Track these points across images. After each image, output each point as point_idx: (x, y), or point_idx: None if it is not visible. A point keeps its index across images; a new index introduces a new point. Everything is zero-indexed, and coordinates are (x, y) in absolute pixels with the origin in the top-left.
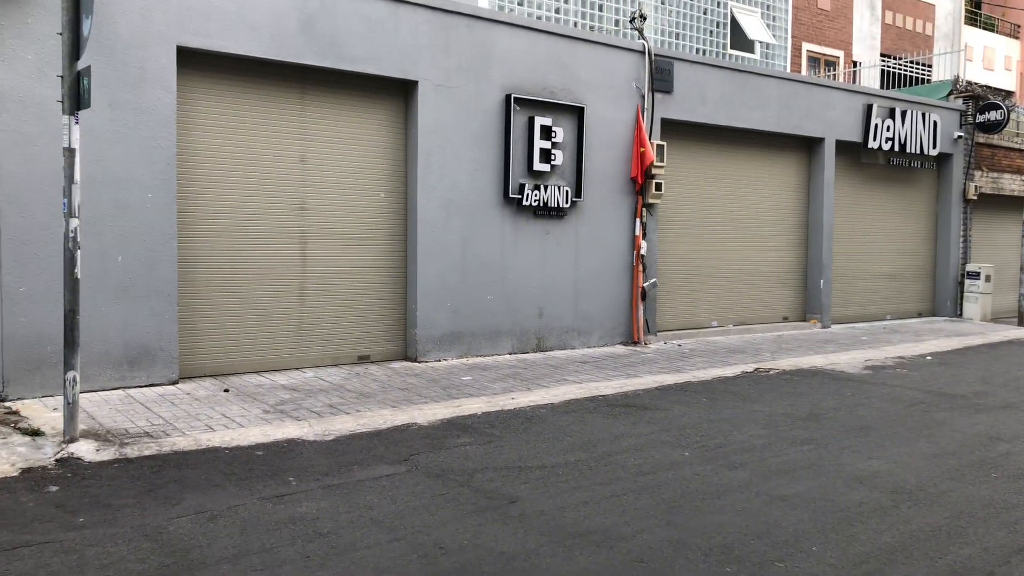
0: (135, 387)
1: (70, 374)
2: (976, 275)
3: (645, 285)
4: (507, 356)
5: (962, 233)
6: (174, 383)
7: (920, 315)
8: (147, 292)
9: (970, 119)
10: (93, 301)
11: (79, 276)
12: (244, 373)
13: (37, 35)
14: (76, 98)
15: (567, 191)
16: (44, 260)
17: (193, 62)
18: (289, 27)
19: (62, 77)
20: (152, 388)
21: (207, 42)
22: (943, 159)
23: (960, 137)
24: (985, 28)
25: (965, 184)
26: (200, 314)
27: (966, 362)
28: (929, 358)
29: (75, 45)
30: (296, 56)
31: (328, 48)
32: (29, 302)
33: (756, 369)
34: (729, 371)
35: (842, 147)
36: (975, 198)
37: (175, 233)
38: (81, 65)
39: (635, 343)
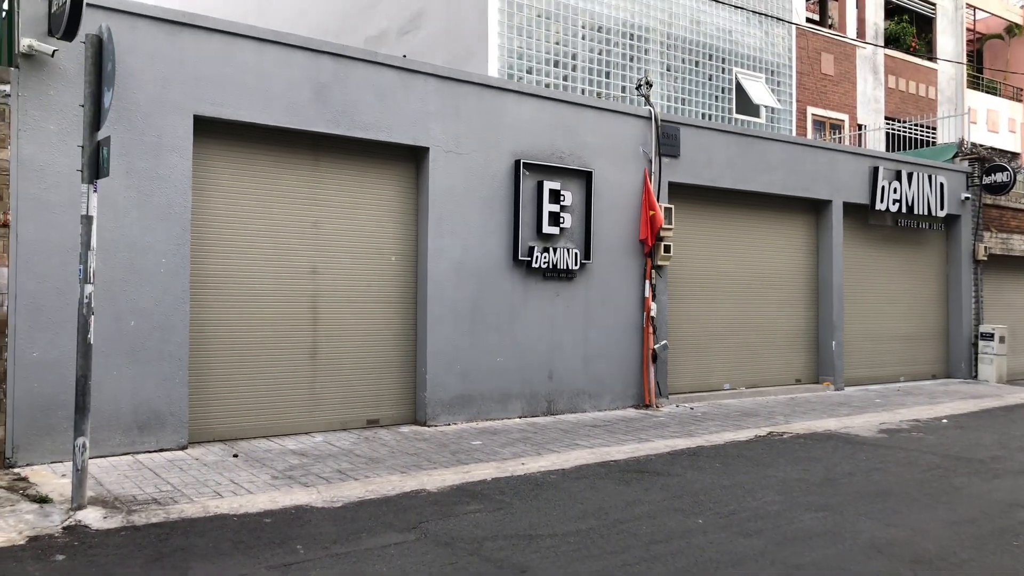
0: (144, 452)
1: (80, 440)
2: (990, 336)
3: (656, 347)
4: (517, 420)
5: (974, 294)
6: (183, 448)
7: (934, 377)
8: (159, 356)
9: (977, 180)
10: (105, 366)
11: (92, 341)
12: (254, 437)
13: (59, 106)
14: (95, 167)
15: (576, 253)
16: (58, 325)
17: (209, 130)
18: (303, 96)
19: (82, 147)
20: (161, 453)
21: (223, 111)
22: (951, 220)
23: (967, 198)
24: (988, 92)
25: (975, 245)
26: (210, 378)
27: (983, 425)
28: (945, 421)
29: (96, 116)
30: (309, 124)
31: (341, 116)
32: (42, 367)
33: (769, 433)
34: (742, 435)
35: (850, 209)
36: (985, 259)
37: (188, 297)
38: (101, 135)
39: (647, 406)
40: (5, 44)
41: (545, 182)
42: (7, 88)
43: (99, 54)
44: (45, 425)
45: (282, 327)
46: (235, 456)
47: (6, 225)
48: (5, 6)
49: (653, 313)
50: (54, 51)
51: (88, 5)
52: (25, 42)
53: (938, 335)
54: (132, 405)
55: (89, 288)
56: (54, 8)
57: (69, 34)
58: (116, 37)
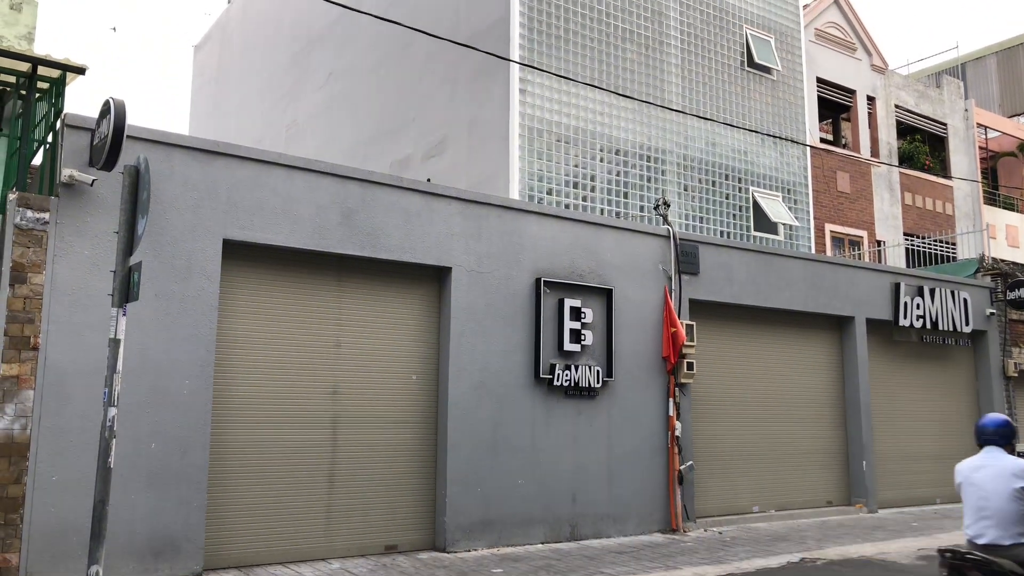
0: None
1: (93, 569)
2: None
3: (681, 468)
4: (539, 545)
5: (1006, 411)
6: (198, 575)
7: None
8: (177, 479)
9: (1001, 296)
10: (123, 490)
11: (112, 465)
12: (270, 564)
13: (94, 232)
14: (126, 292)
15: (598, 371)
16: (79, 448)
17: (237, 253)
18: (331, 220)
19: (114, 272)
20: None
21: (252, 235)
22: (978, 336)
23: (993, 314)
24: (1005, 207)
25: (1003, 361)
26: (228, 502)
27: None
28: None
29: (129, 242)
30: (336, 246)
31: (367, 238)
32: (60, 490)
33: (803, 560)
34: (774, 561)
35: (873, 325)
36: (1016, 375)
37: (209, 419)
38: (133, 260)
39: (673, 530)
40: (47, 175)
41: (566, 300)
42: (46, 216)
43: (136, 184)
44: (60, 551)
45: (301, 449)
46: None
47: (35, 348)
48: (50, 139)
49: (678, 432)
50: (93, 180)
51: (128, 137)
52: (66, 172)
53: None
54: (148, 530)
55: (113, 411)
56: (96, 140)
57: (109, 165)
58: (153, 166)
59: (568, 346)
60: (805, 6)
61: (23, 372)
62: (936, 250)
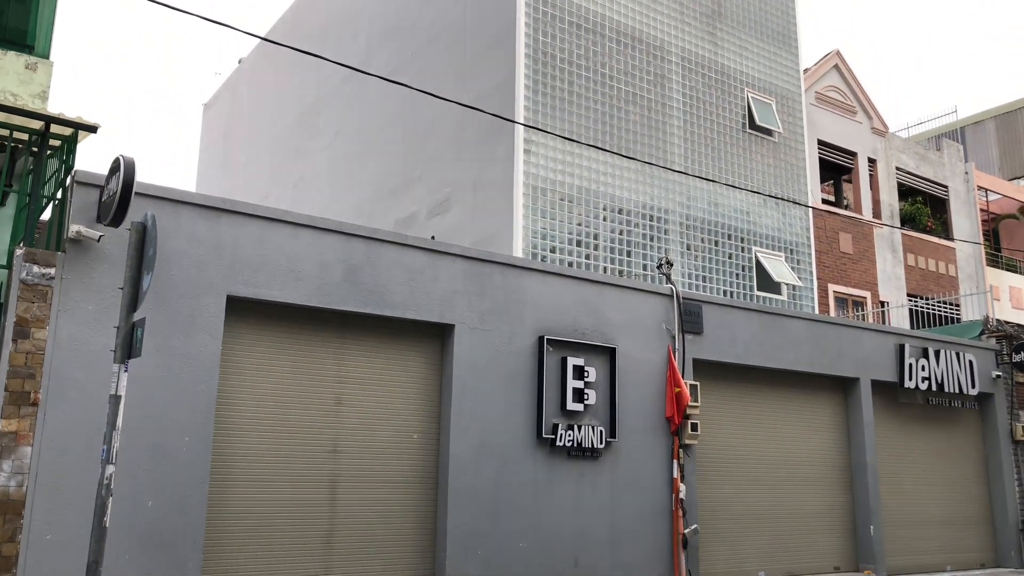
0: None
1: None
2: None
3: (686, 532)
4: None
5: (1016, 476)
6: None
7: (983, 566)
8: (173, 538)
9: (1006, 358)
10: (117, 549)
11: (107, 525)
12: None
13: (99, 287)
14: (128, 348)
15: (601, 431)
16: (75, 506)
17: (240, 309)
18: (335, 277)
19: (118, 328)
20: None
21: (256, 291)
22: (984, 399)
23: (999, 376)
24: (1008, 269)
25: (1011, 425)
26: (223, 562)
27: None
28: None
29: (134, 298)
30: (339, 303)
31: (370, 296)
32: (54, 549)
33: None
34: None
35: (878, 387)
36: None
37: (208, 478)
38: (136, 316)
39: None
40: (55, 230)
41: (569, 358)
42: (52, 271)
43: (142, 240)
44: None
45: (300, 508)
46: None
47: (35, 403)
48: (59, 195)
49: (682, 495)
50: (100, 236)
51: (136, 194)
52: (74, 228)
53: (983, 520)
54: None
55: (111, 469)
56: (104, 197)
57: (116, 221)
58: (159, 222)
59: (571, 405)
60: (805, 70)
61: (22, 428)
62: (940, 311)
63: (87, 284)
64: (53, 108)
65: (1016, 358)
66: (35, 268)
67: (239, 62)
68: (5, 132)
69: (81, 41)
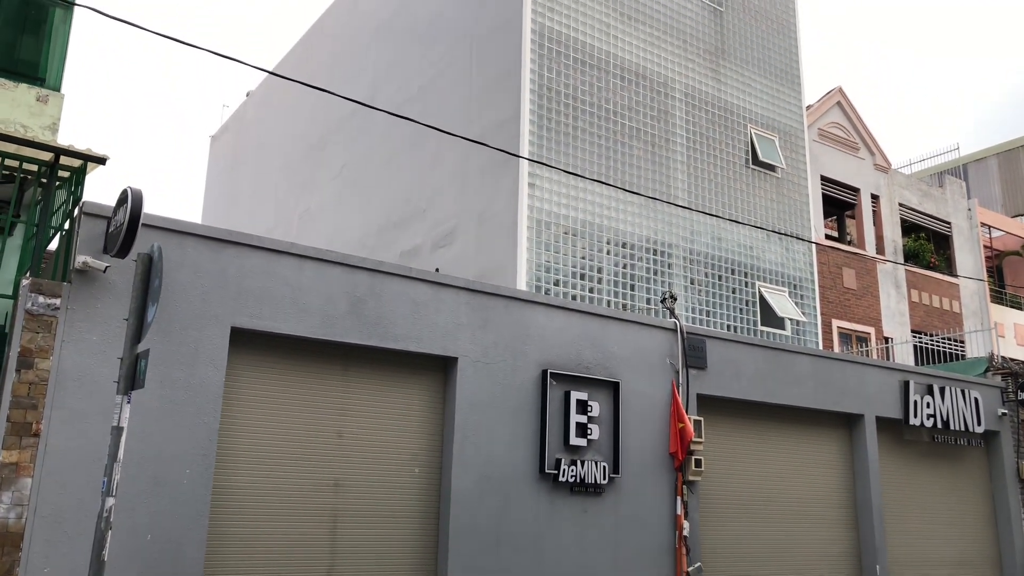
0: None
1: None
2: None
3: (690, 570)
4: None
5: (1023, 516)
6: None
7: None
8: (172, 573)
9: (1012, 396)
10: None
11: (106, 559)
12: None
13: (104, 318)
14: (132, 379)
15: (604, 467)
16: (74, 539)
17: (244, 340)
18: (339, 309)
19: (121, 359)
20: None
21: (260, 323)
22: (990, 436)
23: (1005, 414)
24: (1012, 306)
25: (1018, 463)
26: None
27: None
28: None
29: (138, 330)
30: (343, 335)
31: (374, 328)
32: None
33: None
34: None
35: (883, 424)
36: None
37: (208, 511)
38: (141, 348)
39: None
40: (62, 261)
41: (572, 392)
42: (57, 302)
43: (148, 271)
44: None
45: (300, 543)
46: None
47: (36, 434)
48: (67, 226)
49: (686, 532)
50: (106, 267)
51: (142, 225)
52: (80, 259)
53: (991, 560)
54: None
55: (110, 501)
56: (111, 228)
57: (123, 252)
58: (165, 253)
59: (574, 440)
60: (808, 107)
61: (22, 459)
62: (944, 348)
63: (92, 315)
64: (63, 139)
65: (1022, 395)
66: (40, 298)
67: (247, 95)
68: (15, 163)
69: (91, 72)
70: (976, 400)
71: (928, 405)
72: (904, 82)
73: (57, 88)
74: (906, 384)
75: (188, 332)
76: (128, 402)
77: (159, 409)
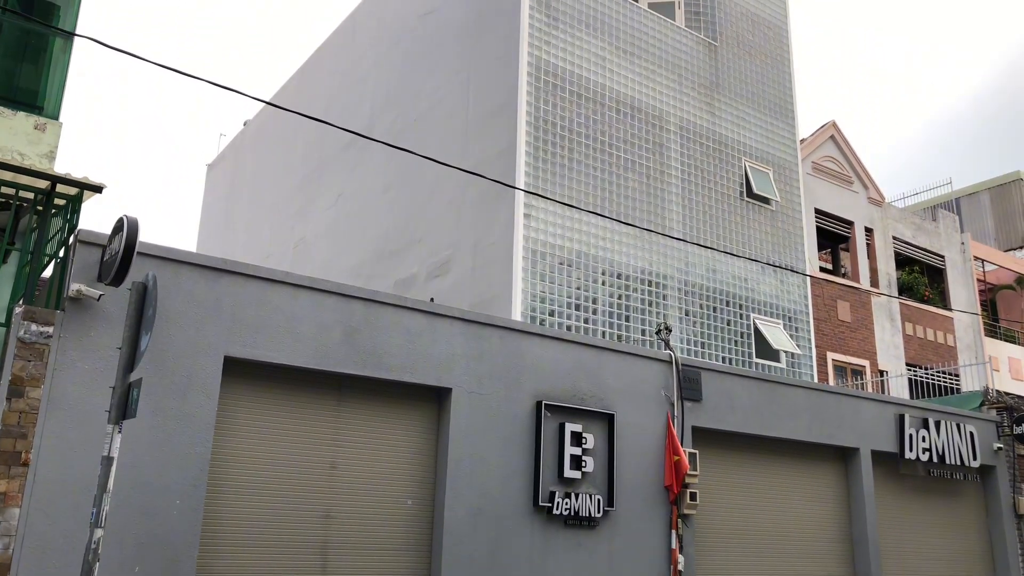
0: None
1: None
2: None
3: None
4: None
5: (1020, 551)
6: None
7: None
8: None
9: (1008, 430)
10: None
11: None
12: None
13: (96, 347)
14: (123, 408)
15: (599, 499)
16: (61, 570)
17: (237, 370)
18: (333, 338)
19: (113, 388)
20: None
21: (254, 352)
22: (986, 471)
23: (1000, 448)
24: (1006, 340)
25: (1014, 498)
26: None
27: None
28: None
29: (131, 358)
30: (337, 365)
31: (368, 358)
32: None
33: None
34: None
35: (879, 457)
36: None
37: (198, 542)
38: (133, 377)
39: None
40: (56, 289)
41: (567, 424)
42: (50, 330)
43: (142, 300)
44: None
45: (290, 575)
46: None
47: (26, 464)
48: (61, 253)
49: (681, 567)
50: (100, 295)
51: (137, 253)
52: (75, 287)
53: None
54: None
55: (99, 532)
56: (106, 256)
57: (117, 281)
58: (160, 282)
59: (568, 473)
60: (802, 140)
61: (11, 489)
62: (939, 381)
63: (84, 343)
64: (60, 167)
65: (1017, 430)
66: (33, 326)
67: (244, 124)
68: (11, 191)
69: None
70: (972, 434)
71: (924, 439)
72: (898, 117)
73: (55, 116)
74: (901, 418)
75: (181, 361)
76: (119, 432)
77: (150, 439)
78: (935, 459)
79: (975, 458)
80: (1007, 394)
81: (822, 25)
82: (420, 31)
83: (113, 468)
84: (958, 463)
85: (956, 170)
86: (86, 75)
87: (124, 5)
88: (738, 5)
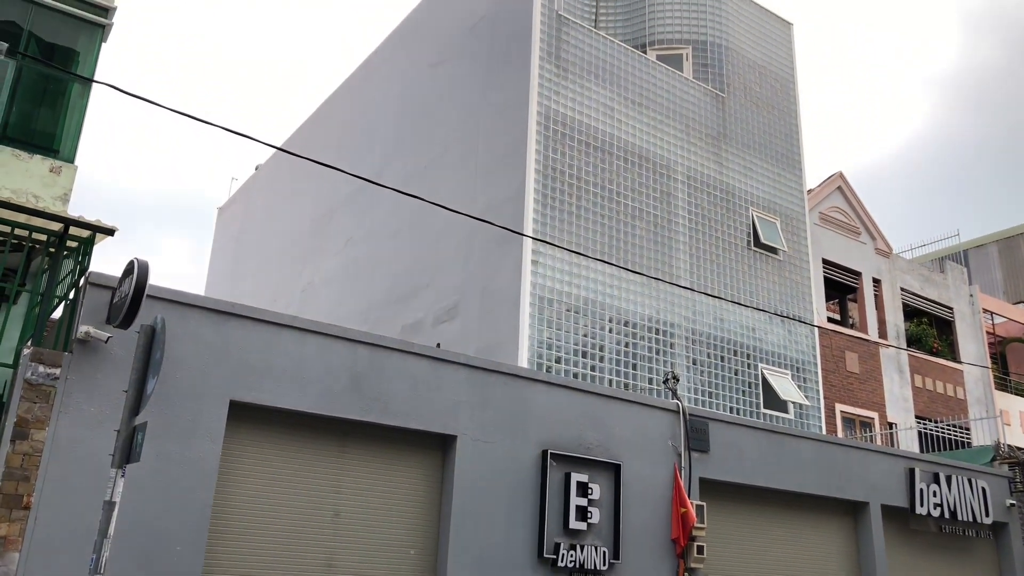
0: None
1: None
2: None
3: None
4: None
5: None
6: None
7: None
8: None
9: (1020, 486)
10: None
11: None
12: None
13: (103, 390)
14: (127, 452)
15: (604, 552)
16: None
17: (242, 414)
18: (339, 384)
19: (118, 431)
20: None
21: (259, 397)
22: (999, 528)
23: (1013, 505)
24: (1016, 393)
25: None
26: None
27: None
28: None
29: (137, 402)
30: (341, 411)
31: (373, 403)
32: None
33: None
34: None
35: (889, 512)
36: None
37: None
38: (138, 420)
39: None
40: (64, 330)
41: (572, 474)
42: (57, 371)
43: (150, 343)
44: None
45: None
46: None
47: (27, 507)
48: (71, 295)
49: None
50: (108, 338)
51: (146, 296)
52: (83, 329)
53: None
54: None
55: None
56: (116, 299)
57: (126, 323)
58: (168, 325)
59: (574, 524)
60: (809, 191)
61: (11, 533)
62: (949, 435)
63: (91, 386)
64: (72, 209)
65: None
66: (40, 368)
67: (256, 168)
68: (24, 232)
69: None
70: (984, 490)
71: (935, 494)
72: (905, 169)
73: (71, 160)
74: (912, 472)
75: (186, 404)
76: (123, 476)
77: (152, 483)
78: (947, 515)
79: (987, 514)
80: (1019, 449)
81: (827, 79)
82: (431, 80)
83: (115, 513)
84: (970, 519)
85: (964, 223)
86: (99, 117)
87: (143, 51)
88: (746, 57)
